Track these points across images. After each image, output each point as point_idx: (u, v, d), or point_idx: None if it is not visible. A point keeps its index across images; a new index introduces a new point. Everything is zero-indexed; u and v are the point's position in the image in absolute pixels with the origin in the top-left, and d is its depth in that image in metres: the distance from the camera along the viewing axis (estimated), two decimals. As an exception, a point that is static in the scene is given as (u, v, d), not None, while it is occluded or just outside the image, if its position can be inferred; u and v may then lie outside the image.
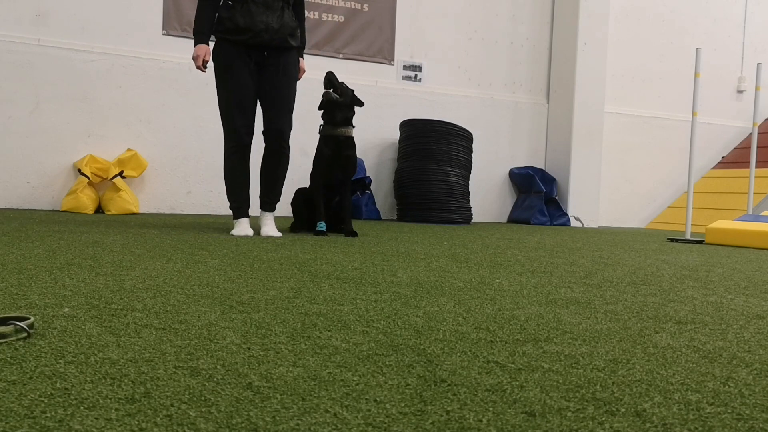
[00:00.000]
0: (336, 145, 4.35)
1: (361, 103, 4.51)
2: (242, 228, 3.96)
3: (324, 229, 4.28)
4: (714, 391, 1.13)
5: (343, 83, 4.49)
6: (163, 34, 6.16)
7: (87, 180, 5.65)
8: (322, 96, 4.39)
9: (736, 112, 8.88)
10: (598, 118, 7.65)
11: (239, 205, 4.05)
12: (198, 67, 3.93)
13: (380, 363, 1.21)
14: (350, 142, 4.40)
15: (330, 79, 4.39)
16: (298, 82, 4.19)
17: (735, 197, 7.61)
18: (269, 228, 4.06)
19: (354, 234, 4.30)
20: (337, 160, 4.35)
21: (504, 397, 1.05)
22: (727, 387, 1.16)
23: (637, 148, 8.26)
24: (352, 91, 4.54)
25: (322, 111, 4.47)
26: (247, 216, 4.07)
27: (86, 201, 5.59)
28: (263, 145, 4.11)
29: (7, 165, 5.67)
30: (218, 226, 4.55)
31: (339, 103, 4.37)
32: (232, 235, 3.87)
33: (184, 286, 1.98)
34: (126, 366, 1.12)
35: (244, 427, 0.87)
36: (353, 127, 4.48)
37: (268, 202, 4.16)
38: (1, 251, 2.60)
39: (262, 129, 4.06)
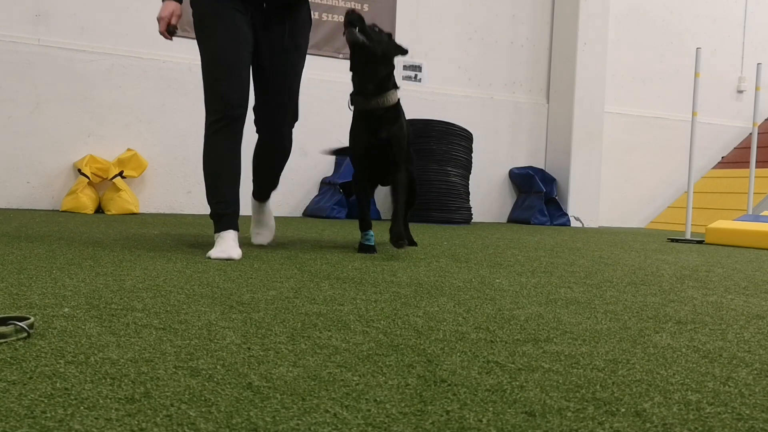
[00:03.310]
0: (372, 125, 3.13)
1: (404, 51, 3.22)
2: (225, 246, 2.76)
3: (372, 243, 3.25)
4: (714, 391, 1.13)
5: (375, 26, 3.15)
6: (163, 34, 6.16)
7: (87, 180, 5.65)
8: (346, 38, 3.05)
9: (736, 112, 8.88)
10: (598, 118, 7.64)
11: (223, 210, 2.87)
12: (162, 33, 2.89)
13: (380, 363, 1.21)
14: (392, 116, 3.14)
15: (351, 20, 3.00)
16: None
17: (735, 197, 7.61)
18: (264, 229, 3.29)
19: (402, 241, 3.05)
20: (377, 144, 3.15)
21: (504, 397, 1.05)
22: (727, 387, 1.16)
23: (637, 148, 8.26)
24: (389, 35, 3.19)
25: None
26: (236, 228, 2.88)
27: (86, 201, 5.59)
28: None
29: (7, 165, 5.66)
30: (218, 226, 4.54)
31: (368, 55, 3.04)
32: (209, 257, 2.69)
33: (184, 286, 1.98)
34: (126, 366, 1.12)
35: (244, 427, 0.87)
36: (397, 88, 3.19)
37: (262, 191, 3.31)
38: (1, 251, 2.60)
39: (254, 114, 3.07)
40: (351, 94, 3.18)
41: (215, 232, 2.89)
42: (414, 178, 3.41)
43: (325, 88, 6.49)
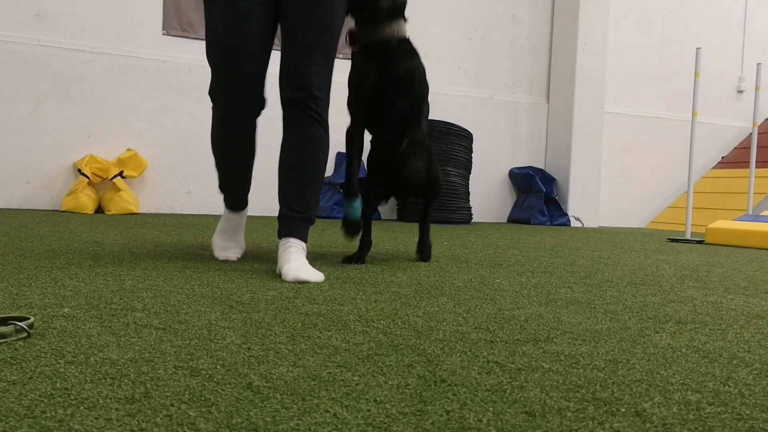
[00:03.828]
0: (382, 62, 2.57)
1: None
2: (227, 233, 2.67)
3: (359, 215, 2.62)
4: (714, 391, 1.13)
5: None
6: (163, 34, 6.16)
7: (87, 180, 5.65)
8: None
9: (736, 112, 8.88)
10: (598, 118, 7.65)
11: (232, 190, 2.65)
12: None
13: (380, 363, 1.21)
14: (407, 50, 2.61)
15: None
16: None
17: (735, 197, 7.61)
18: (298, 264, 2.24)
19: (425, 254, 2.90)
20: (388, 87, 2.58)
21: (504, 397, 1.05)
22: (727, 387, 1.16)
23: (637, 148, 8.26)
24: None
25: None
26: (244, 206, 2.69)
27: (86, 201, 5.59)
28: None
29: (7, 165, 5.67)
30: (218, 226, 4.54)
31: None
32: (214, 243, 2.71)
33: (184, 286, 1.98)
34: (126, 366, 1.12)
35: (244, 427, 0.87)
36: (405, 20, 2.65)
37: (293, 217, 2.36)
38: (1, 251, 2.60)
39: (279, 79, 2.38)
40: (350, 29, 2.64)
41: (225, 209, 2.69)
42: (434, 157, 2.77)
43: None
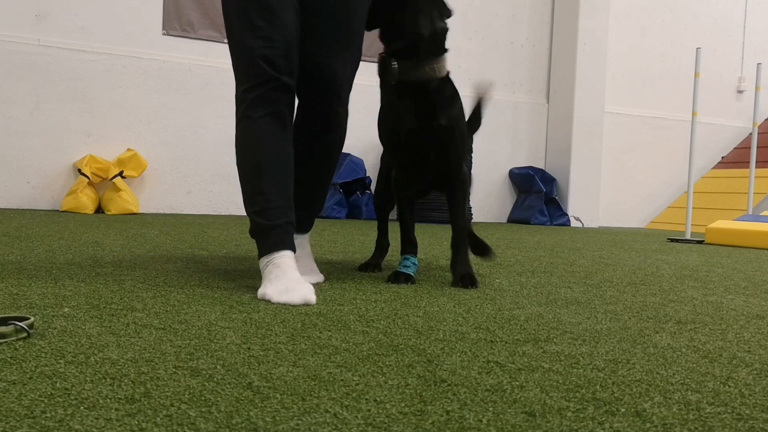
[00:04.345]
0: (420, 105, 2.21)
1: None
2: (287, 281, 1.82)
3: (411, 271, 2.29)
4: (714, 391, 1.13)
5: None
6: (163, 34, 6.16)
7: (87, 180, 5.65)
8: None
9: (736, 112, 8.88)
10: (598, 118, 7.65)
11: (268, 219, 1.93)
12: None
13: (380, 363, 1.21)
14: (448, 92, 2.24)
15: None
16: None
17: (735, 197, 7.61)
18: (304, 267, 2.09)
19: (473, 282, 2.22)
20: (427, 135, 2.22)
21: (504, 397, 1.05)
22: (727, 387, 1.16)
23: (637, 148, 8.26)
24: None
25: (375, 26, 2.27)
26: (292, 247, 1.94)
27: (86, 201, 5.59)
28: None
29: (7, 165, 5.66)
30: (218, 226, 4.54)
31: None
32: (266, 299, 1.80)
33: (184, 286, 1.98)
34: (126, 366, 1.12)
35: (244, 427, 0.87)
36: (446, 51, 2.26)
37: (303, 220, 2.22)
38: (1, 251, 2.60)
39: (303, 71, 2.07)
40: (384, 58, 2.24)
41: (260, 256, 1.93)
42: (467, 187, 2.40)
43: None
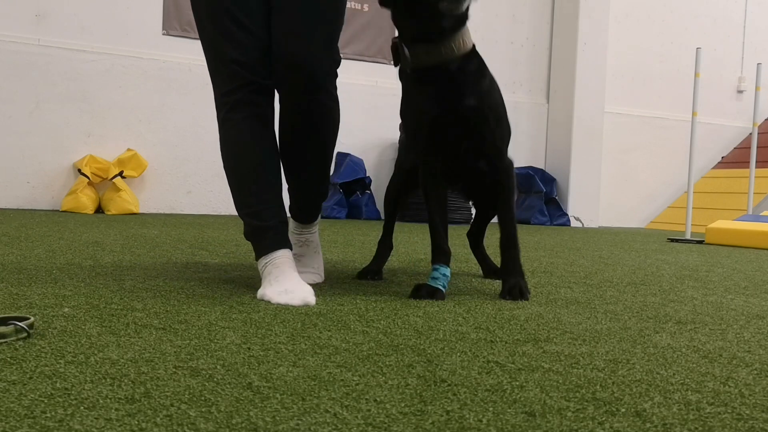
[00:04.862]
0: (444, 88, 1.96)
1: None
2: (288, 282, 1.82)
3: (441, 285, 1.97)
4: (714, 391, 1.13)
5: None
6: (163, 34, 6.16)
7: (87, 180, 5.65)
8: None
9: (736, 112, 8.88)
10: (598, 118, 7.65)
11: (262, 219, 1.93)
12: None
13: (380, 363, 1.21)
14: (474, 69, 2.00)
15: None
16: None
17: (735, 197, 7.61)
18: (306, 267, 2.14)
19: (524, 294, 2.00)
20: (456, 119, 1.96)
21: (504, 397, 1.05)
22: (727, 387, 1.16)
23: (637, 148, 8.27)
24: None
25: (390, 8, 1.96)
26: (287, 245, 1.94)
27: (86, 201, 5.60)
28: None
29: (7, 165, 5.67)
30: (218, 226, 4.54)
31: None
32: (266, 299, 1.80)
33: (184, 286, 1.98)
34: (126, 366, 1.12)
35: (244, 427, 0.87)
36: (465, 22, 1.98)
37: (304, 207, 2.20)
38: (1, 251, 2.60)
39: (273, 64, 1.94)
40: (397, 44, 1.98)
41: (258, 257, 1.93)
42: (514, 178, 2.10)
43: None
